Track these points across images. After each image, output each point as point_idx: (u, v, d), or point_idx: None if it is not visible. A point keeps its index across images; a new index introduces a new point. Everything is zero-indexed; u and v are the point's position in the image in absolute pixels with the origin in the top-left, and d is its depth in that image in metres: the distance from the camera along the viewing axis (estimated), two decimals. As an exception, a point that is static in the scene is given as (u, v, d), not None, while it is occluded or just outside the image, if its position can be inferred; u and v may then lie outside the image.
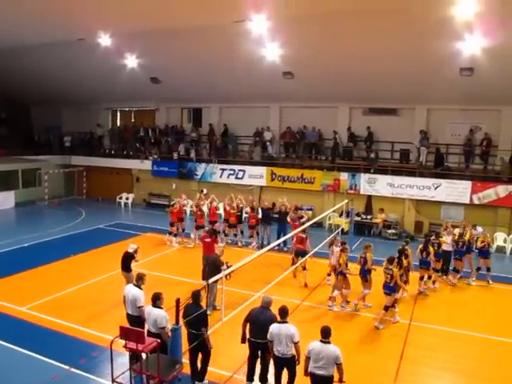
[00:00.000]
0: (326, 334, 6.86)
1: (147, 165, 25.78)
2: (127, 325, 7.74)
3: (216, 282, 9.61)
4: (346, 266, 11.64)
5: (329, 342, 6.83)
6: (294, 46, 17.92)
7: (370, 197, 20.56)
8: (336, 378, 6.82)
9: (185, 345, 7.47)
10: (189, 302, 7.79)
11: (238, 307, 9.44)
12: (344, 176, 20.86)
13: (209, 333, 7.41)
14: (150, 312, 7.51)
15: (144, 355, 5.82)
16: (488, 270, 14.01)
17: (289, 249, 16.14)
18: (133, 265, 11.10)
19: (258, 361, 7.87)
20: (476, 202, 18.58)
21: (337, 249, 12.03)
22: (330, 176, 21.20)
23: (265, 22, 16.17)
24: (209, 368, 7.96)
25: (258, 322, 7.54)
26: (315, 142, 22.73)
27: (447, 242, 13.90)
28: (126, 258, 10.99)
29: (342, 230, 18.21)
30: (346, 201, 17.74)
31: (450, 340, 10.17)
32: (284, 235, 15.63)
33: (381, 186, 20.17)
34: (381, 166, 20.72)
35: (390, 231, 19.41)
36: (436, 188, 19.21)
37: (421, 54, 16.49)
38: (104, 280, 13.26)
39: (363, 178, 20.51)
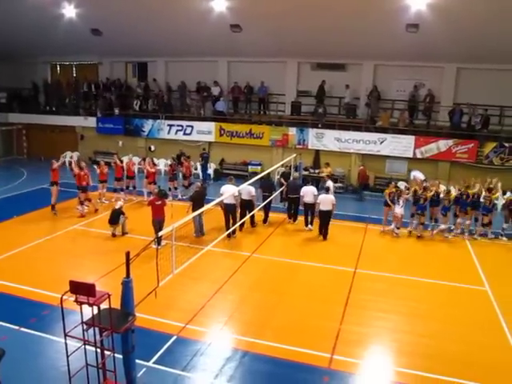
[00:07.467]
0: (327, 190, 13.85)
1: (91, 122, 24.76)
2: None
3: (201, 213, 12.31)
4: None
5: (328, 194, 13.60)
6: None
7: (317, 151, 20.90)
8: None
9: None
10: (263, 178, 14.70)
11: (186, 261, 9.46)
12: (292, 131, 21.01)
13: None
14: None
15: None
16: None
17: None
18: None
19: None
20: (419, 156, 19.35)
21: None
22: (278, 131, 21.29)
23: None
24: (162, 320, 8.65)
25: (293, 186, 14.92)
26: (264, 97, 22.60)
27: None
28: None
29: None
30: (295, 155, 17.92)
31: (393, 285, 10.76)
32: None
33: (328, 140, 20.51)
34: (328, 121, 20.98)
35: (336, 185, 19.88)
36: (381, 143, 19.77)
37: (368, 8, 16.50)
38: (49, 240, 12.97)
39: (311, 132, 20.73)
